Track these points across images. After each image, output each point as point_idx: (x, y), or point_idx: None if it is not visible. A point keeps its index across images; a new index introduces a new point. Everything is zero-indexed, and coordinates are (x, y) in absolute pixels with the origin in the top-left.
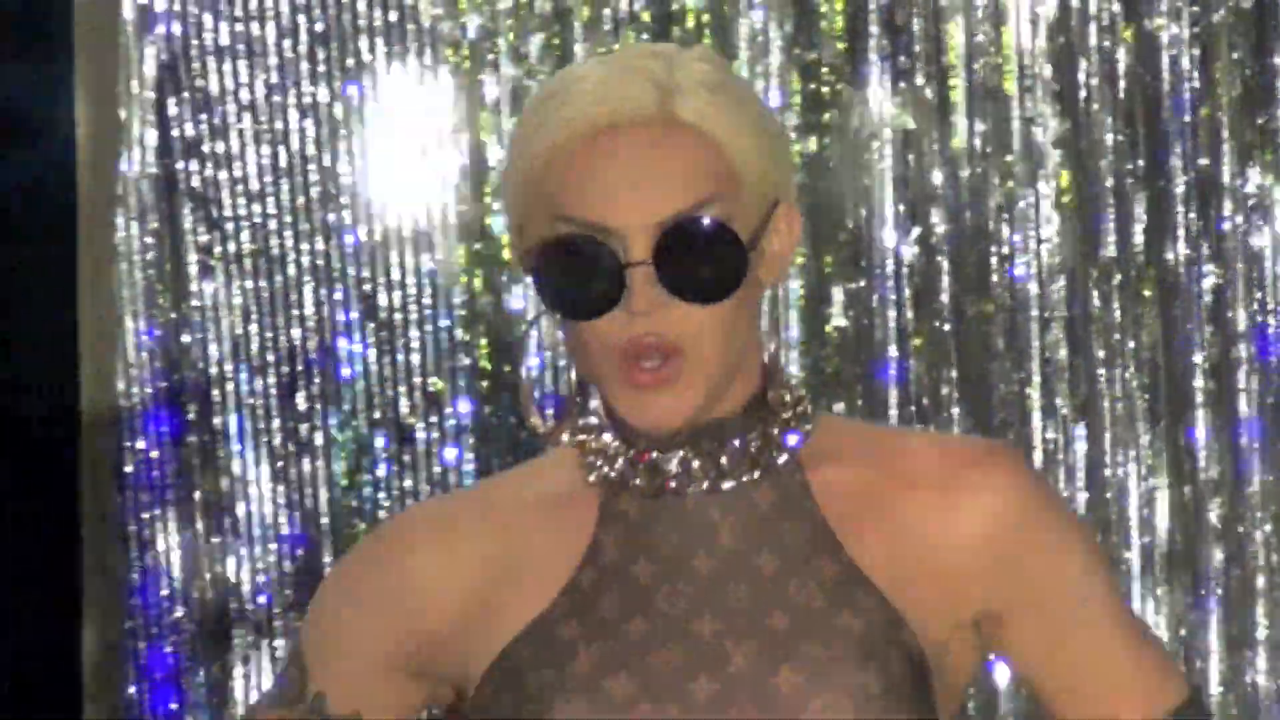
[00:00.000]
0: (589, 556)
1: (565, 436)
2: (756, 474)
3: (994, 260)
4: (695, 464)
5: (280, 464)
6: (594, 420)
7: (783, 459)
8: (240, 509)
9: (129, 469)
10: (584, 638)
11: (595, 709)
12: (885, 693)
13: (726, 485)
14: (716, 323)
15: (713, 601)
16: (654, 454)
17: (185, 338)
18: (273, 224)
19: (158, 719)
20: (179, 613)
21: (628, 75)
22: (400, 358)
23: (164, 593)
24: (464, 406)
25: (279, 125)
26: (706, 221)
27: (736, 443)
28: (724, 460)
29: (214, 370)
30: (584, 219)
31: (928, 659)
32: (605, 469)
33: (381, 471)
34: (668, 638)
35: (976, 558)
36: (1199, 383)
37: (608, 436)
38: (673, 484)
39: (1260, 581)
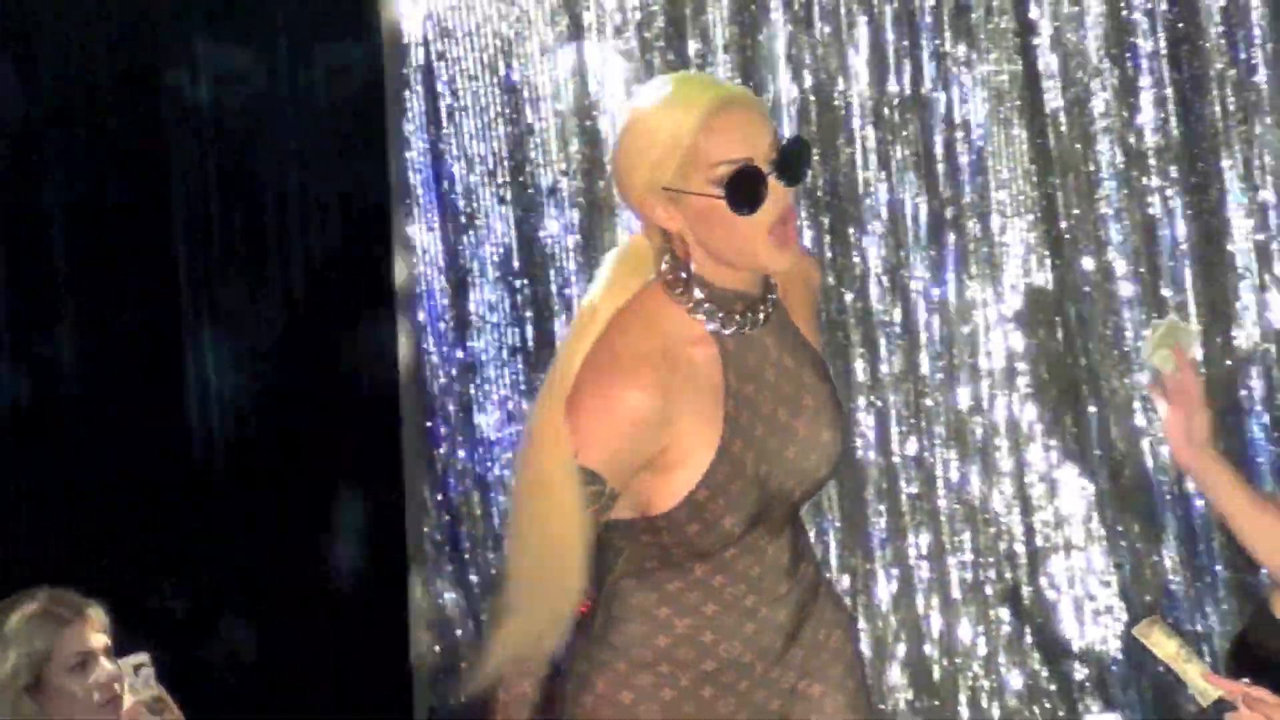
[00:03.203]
0: (728, 390)
1: (679, 290)
2: (771, 309)
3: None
4: (756, 310)
5: None
6: (695, 291)
7: (773, 296)
8: None
9: None
10: (743, 447)
11: (753, 487)
12: (840, 413)
13: (765, 317)
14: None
15: (779, 398)
16: (741, 305)
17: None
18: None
19: None
20: None
21: (695, 84)
22: None
23: None
24: None
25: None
26: (792, 140)
27: (769, 294)
28: (763, 306)
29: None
30: (737, 156)
31: None
32: (719, 319)
33: None
34: (771, 433)
35: (814, 314)
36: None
37: (699, 294)
38: (746, 326)
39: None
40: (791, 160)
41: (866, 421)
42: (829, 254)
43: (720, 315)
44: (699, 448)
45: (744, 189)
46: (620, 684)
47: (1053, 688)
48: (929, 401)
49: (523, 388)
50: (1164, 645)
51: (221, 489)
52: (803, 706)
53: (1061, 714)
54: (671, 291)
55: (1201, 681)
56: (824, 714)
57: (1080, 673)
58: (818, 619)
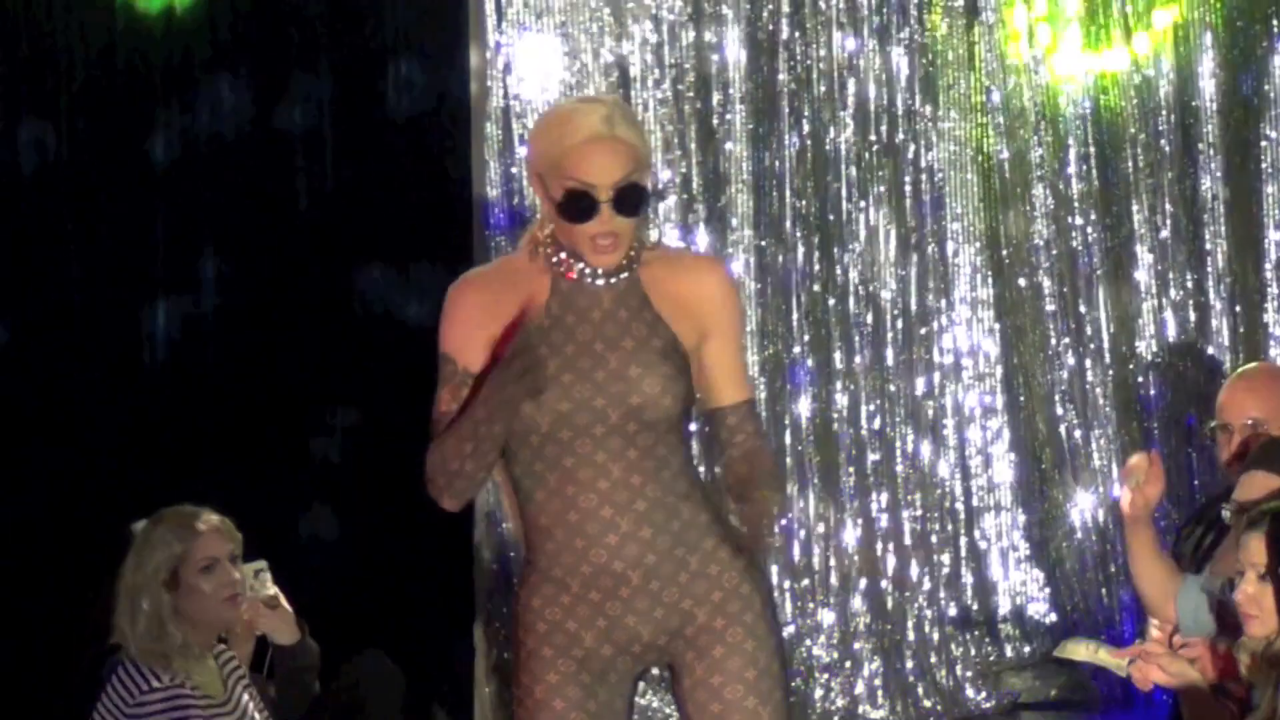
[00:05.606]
0: (545, 311)
1: (537, 246)
2: (622, 275)
3: None
4: (599, 272)
5: None
6: (550, 249)
7: (631, 269)
8: None
9: None
10: (548, 354)
11: (556, 388)
12: (674, 374)
13: (612, 281)
14: (631, 225)
15: (600, 335)
16: (581, 266)
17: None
18: None
19: None
20: None
21: (596, 113)
22: None
23: None
24: None
25: None
26: (632, 184)
27: (622, 269)
28: (607, 272)
29: None
30: (584, 180)
31: (688, 361)
32: (557, 265)
33: None
34: (581, 354)
35: (701, 308)
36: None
37: (563, 254)
38: (584, 279)
39: None
40: (626, 199)
41: (842, 401)
42: (817, 267)
43: (568, 262)
44: None
45: (573, 207)
46: (533, 592)
47: (981, 618)
48: (891, 387)
49: None
50: (1080, 652)
51: None
52: (707, 638)
53: (987, 640)
54: (534, 241)
55: (1114, 660)
56: (725, 644)
57: (1003, 607)
58: (708, 555)
